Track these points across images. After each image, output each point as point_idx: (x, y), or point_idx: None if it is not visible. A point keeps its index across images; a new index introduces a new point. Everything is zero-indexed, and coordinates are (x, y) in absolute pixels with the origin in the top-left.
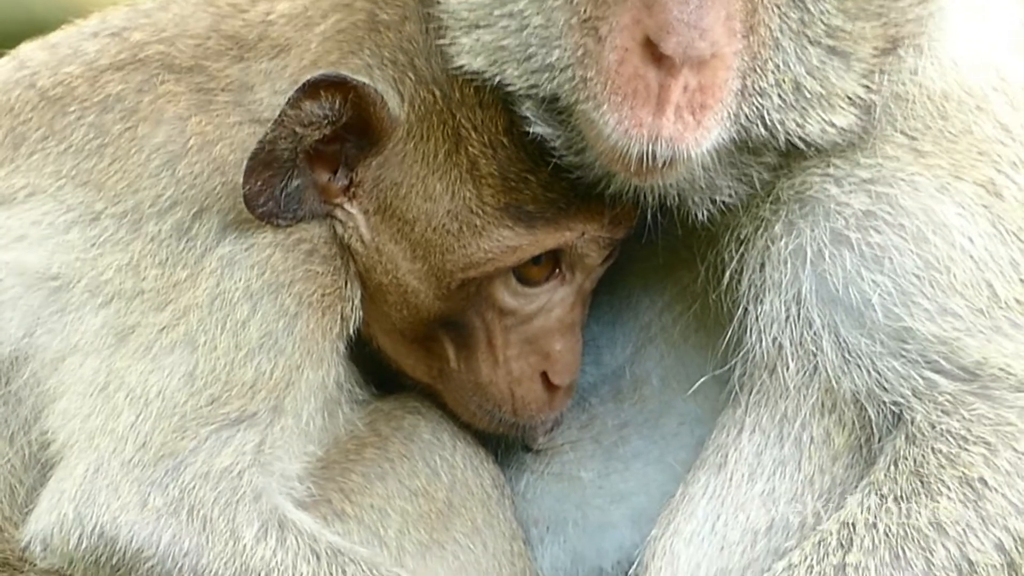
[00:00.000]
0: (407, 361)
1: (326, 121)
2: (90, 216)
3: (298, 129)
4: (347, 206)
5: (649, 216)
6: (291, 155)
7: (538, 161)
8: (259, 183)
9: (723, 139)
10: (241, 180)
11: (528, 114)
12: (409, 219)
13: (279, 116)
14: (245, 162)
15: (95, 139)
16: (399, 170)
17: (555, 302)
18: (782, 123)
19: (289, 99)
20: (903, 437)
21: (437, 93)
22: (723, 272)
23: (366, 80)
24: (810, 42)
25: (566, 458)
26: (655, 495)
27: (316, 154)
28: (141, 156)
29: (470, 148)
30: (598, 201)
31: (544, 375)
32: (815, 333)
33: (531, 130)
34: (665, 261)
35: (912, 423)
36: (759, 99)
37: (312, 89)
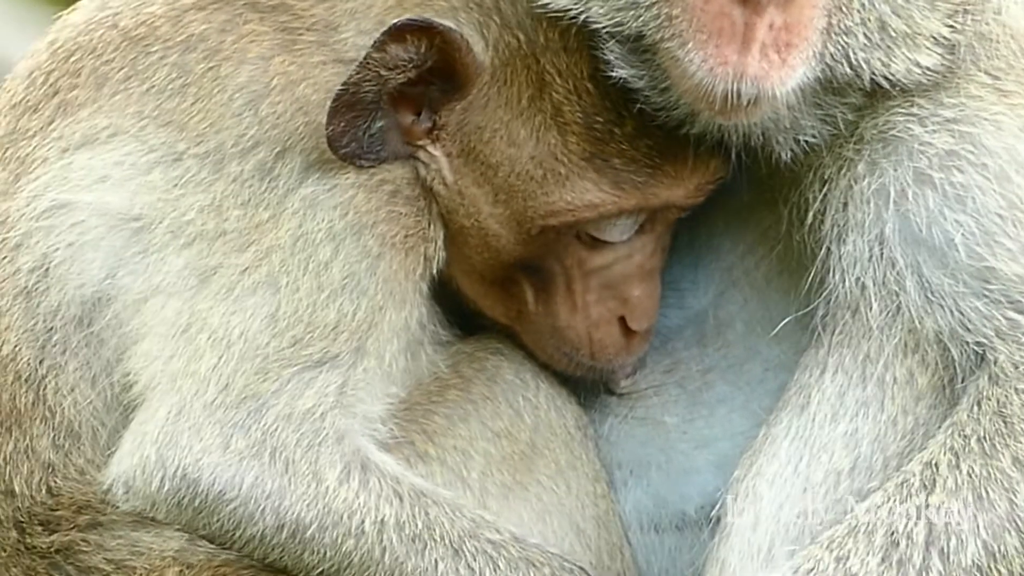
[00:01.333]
0: (485, 302)
1: (411, 65)
2: (172, 157)
3: (383, 72)
4: (430, 148)
5: (733, 157)
6: (375, 97)
7: (624, 114)
8: (342, 124)
9: (808, 78)
10: (325, 121)
11: (611, 56)
12: (492, 163)
13: (364, 59)
14: (329, 103)
15: (178, 79)
16: (483, 114)
17: (635, 249)
18: (867, 62)
19: (375, 42)
20: (986, 377)
21: (521, 37)
22: (806, 212)
23: (452, 25)
24: None
25: (650, 402)
26: (739, 441)
27: (400, 96)
28: (224, 96)
29: (554, 94)
30: (684, 167)
31: (622, 320)
32: (898, 273)
33: (615, 74)
34: (747, 202)
35: (995, 363)
36: (844, 38)
37: (398, 33)
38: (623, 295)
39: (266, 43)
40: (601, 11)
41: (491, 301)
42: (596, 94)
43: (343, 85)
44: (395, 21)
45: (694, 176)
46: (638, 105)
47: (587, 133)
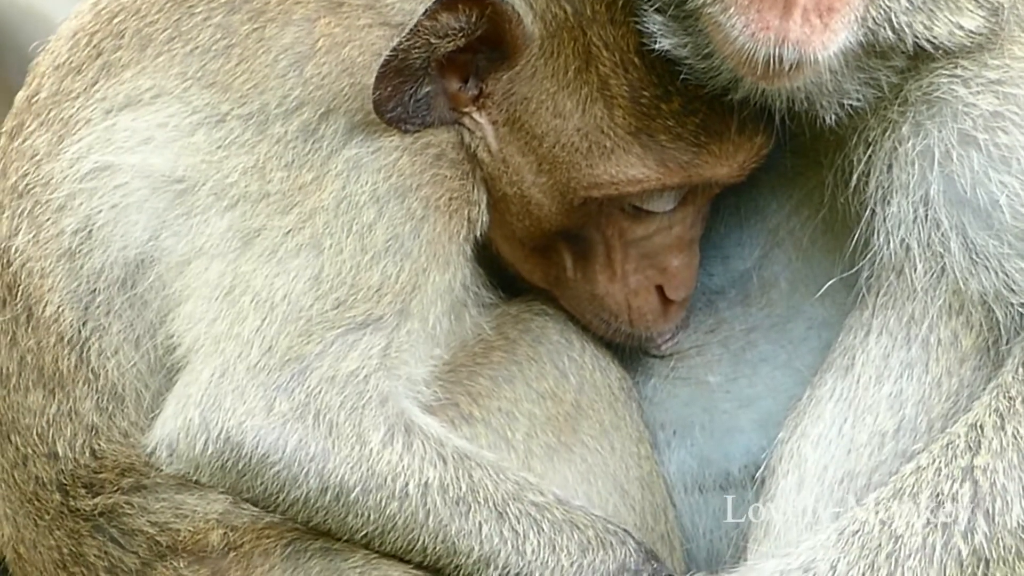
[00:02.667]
0: (525, 267)
1: (461, 34)
2: (216, 118)
3: (432, 40)
4: (476, 115)
5: (777, 120)
6: (423, 63)
7: (670, 90)
8: (389, 89)
9: (850, 42)
10: (371, 84)
11: (654, 27)
12: (538, 134)
13: (415, 26)
14: (376, 68)
15: (222, 40)
16: (529, 85)
17: (676, 221)
18: (909, 26)
19: (426, 10)
20: None
21: (568, 9)
22: (850, 175)
23: None
24: None
25: (693, 362)
26: (782, 399)
27: (448, 63)
28: (268, 57)
29: (601, 66)
30: (729, 145)
31: (660, 288)
32: (943, 234)
33: (658, 45)
34: (792, 166)
35: None
36: (887, 2)
37: (450, 2)
38: (662, 265)
39: (312, 5)
40: None
41: (530, 266)
42: (643, 68)
43: (392, 50)
44: None
45: (738, 154)
46: (682, 78)
47: (633, 107)
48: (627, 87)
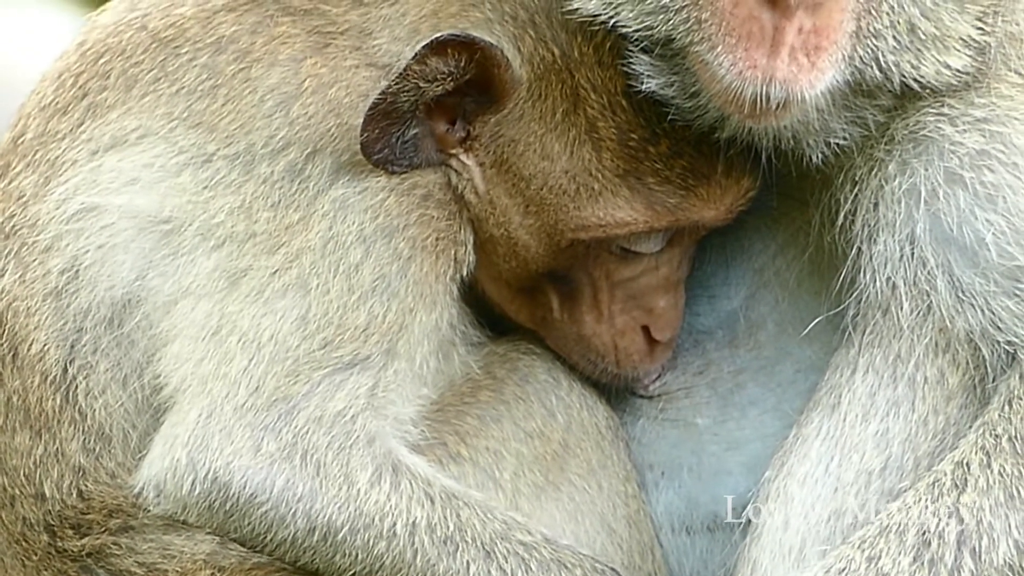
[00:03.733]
0: (511, 307)
1: (449, 78)
2: (202, 158)
3: (421, 84)
4: (463, 157)
5: (764, 160)
6: (411, 106)
7: (658, 132)
8: (377, 131)
9: (837, 81)
10: (358, 126)
11: (641, 68)
12: (525, 176)
13: (403, 70)
14: (365, 112)
15: (207, 80)
16: (517, 127)
17: (662, 262)
18: (897, 65)
19: (416, 54)
20: (1017, 377)
21: (556, 52)
22: (836, 213)
23: (491, 40)
24: None
25: (681, 404)
26: (770, 443)
27: (436, 106)
28: (254, 97)
29: (588, 109)
30: (716, 189)
31: (646, 328)
32: (929, 272)
33: (644, 86)
34: (778, 204)
35: None
36: (874, 41)
37: (440, 47)
38: (648, 305)
39: (298, 45)
40: (631, 15)
41: (516, 306)
42: (630, 110)
43: (380, 94)
44: (438, 35)
45: (726, 197)
46: (669, 118)
47: (621, 150)
48: (615, 129)
